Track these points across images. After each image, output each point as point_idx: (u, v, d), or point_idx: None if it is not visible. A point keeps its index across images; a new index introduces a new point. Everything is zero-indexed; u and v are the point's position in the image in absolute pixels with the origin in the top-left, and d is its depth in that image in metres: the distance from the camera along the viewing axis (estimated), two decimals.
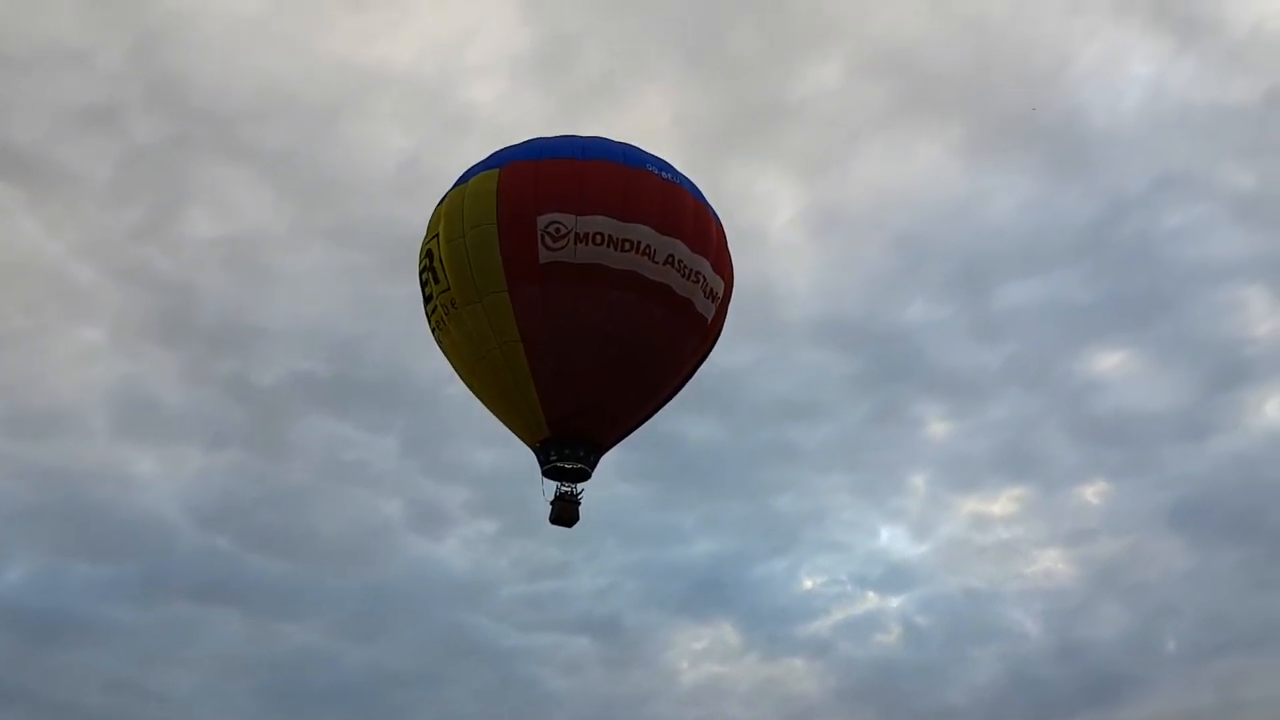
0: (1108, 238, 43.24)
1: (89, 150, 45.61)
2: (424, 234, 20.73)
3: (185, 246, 46.86)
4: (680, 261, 19.46)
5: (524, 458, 20.49)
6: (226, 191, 46.66)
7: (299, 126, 46.18)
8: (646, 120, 44.01)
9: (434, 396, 44.84)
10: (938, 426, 45.95)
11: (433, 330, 20.84)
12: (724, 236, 20.64)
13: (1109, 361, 44.10)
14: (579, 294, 18.94)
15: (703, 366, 20.99)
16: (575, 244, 18.78)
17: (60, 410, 46.00)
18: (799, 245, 44.88)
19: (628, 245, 18.95)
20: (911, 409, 45.96)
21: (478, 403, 20.99)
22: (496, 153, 20.20)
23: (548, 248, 18.83)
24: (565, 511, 19.97)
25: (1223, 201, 41.72)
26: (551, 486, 20.17)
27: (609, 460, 20.64)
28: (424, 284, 20.54)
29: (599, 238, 18.83)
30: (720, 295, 20.52)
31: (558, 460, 19.79)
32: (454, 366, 20.97)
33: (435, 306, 20.19)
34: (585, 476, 20.19)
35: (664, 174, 19.83)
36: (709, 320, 20.44)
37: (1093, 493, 44.78)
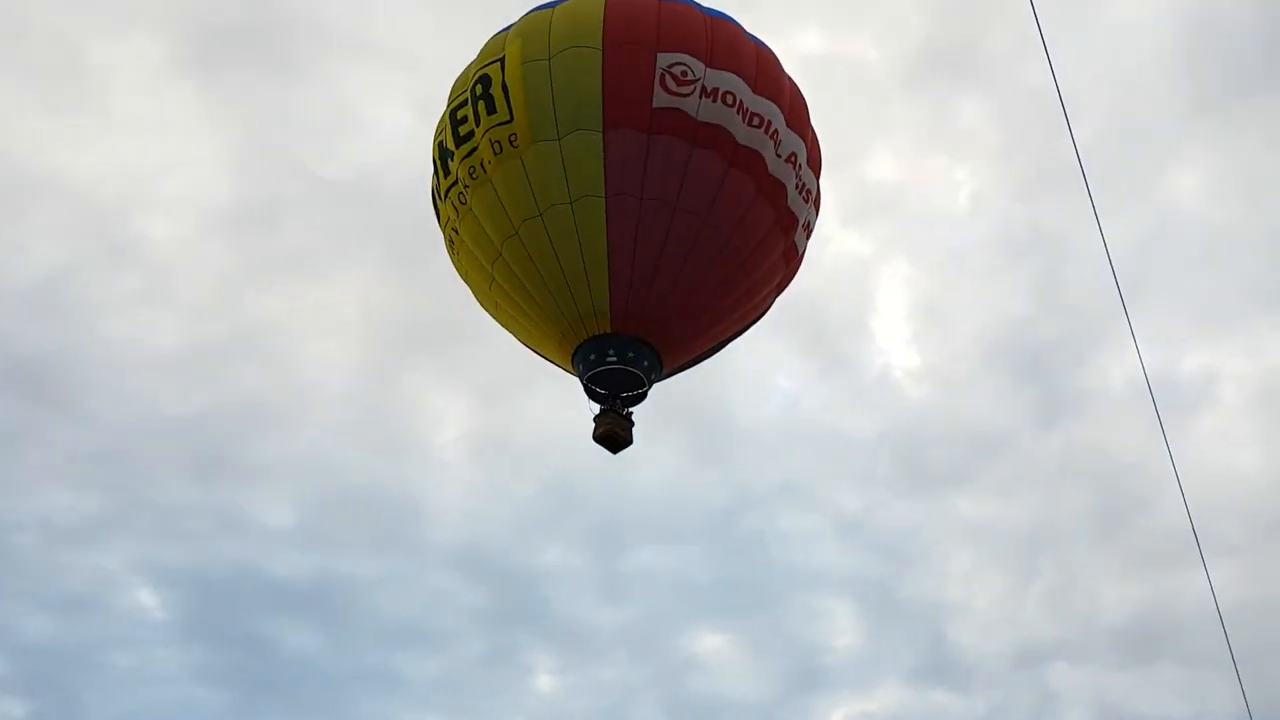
0: (730, 526, 44.39)
1: None
2: (466, 68, 15.96)
3: None
4: (800, 166, 15.74)
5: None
6: None
7: None
8: (334, 302, 40.69)
9: None
10: (545, 679, 43.62)
11: (449, 187, 15.68)
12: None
13: (710, 643, 44.35)
14: (693, 157, 14.69)
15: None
16: (701, 97, 14.70)
17: None
18: (456, 465, 42.42)
19: (757, 121, 15.06)
20: (524, 655, 43.59)
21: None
22: None
23: (667, 90, 14.61)
24: (618, 427, 14.90)
25: (829, 518, 44.14)
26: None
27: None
28: (460, 121, 15.53)
29: (730, 98, 14.84)
30: (811, 232, 16.81)
31: (617, 363, 14.82)
32: (473, 232, 15.69)
33: (475, 147, 15.18)
34: (640, 397, 15.26)
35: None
36: (797, 257, 16.59)
37: None
